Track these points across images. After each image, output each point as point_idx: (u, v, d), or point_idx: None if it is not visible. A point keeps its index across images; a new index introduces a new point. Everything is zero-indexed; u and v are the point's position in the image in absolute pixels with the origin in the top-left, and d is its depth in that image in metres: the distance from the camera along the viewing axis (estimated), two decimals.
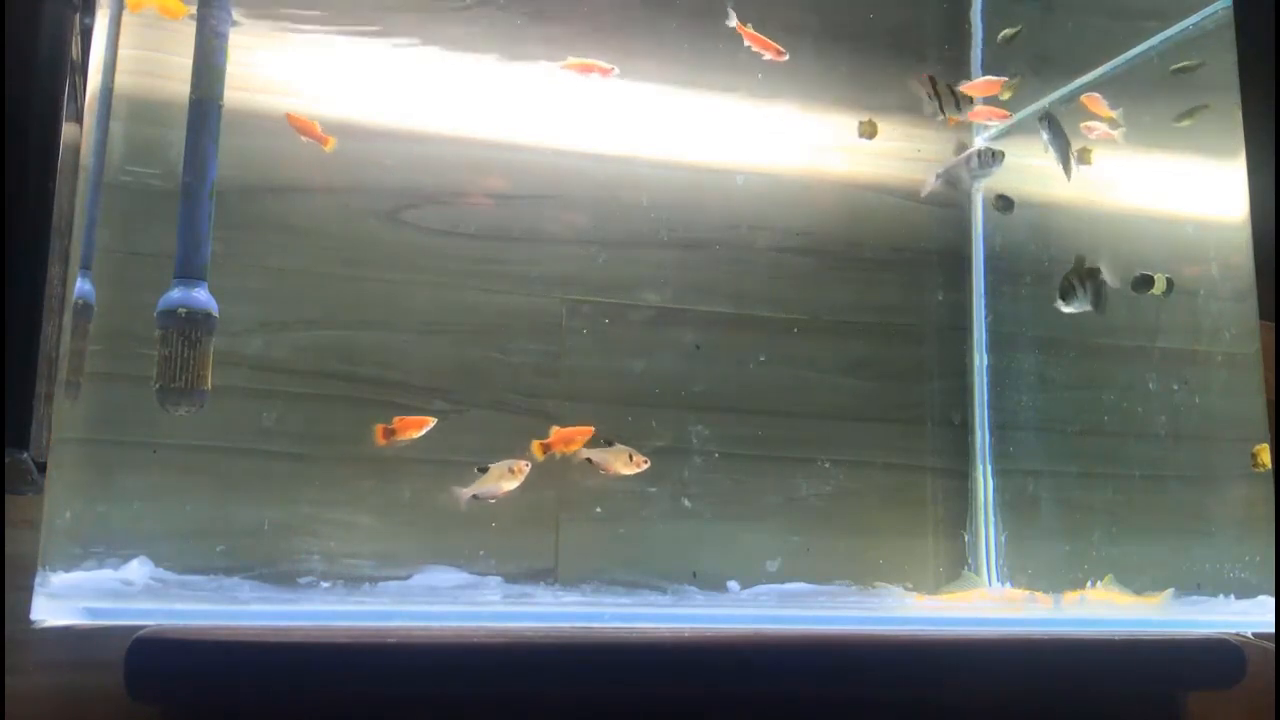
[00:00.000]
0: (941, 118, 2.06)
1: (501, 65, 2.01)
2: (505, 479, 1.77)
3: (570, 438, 1.82)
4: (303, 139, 1.81)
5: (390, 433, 1.78)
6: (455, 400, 1.92)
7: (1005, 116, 2.21)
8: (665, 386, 2.03)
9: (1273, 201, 2.11)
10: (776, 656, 1.66)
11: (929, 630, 1.83)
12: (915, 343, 2.23)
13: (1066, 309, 1.96)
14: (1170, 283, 2.08)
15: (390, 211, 1.93)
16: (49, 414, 1.62)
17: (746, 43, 2.02)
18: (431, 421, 1.79)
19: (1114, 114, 2.12)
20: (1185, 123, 2.09)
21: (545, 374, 1.97)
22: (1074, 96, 2.24)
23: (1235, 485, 2.08)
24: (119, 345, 1.68)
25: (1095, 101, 2.15)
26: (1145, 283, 2.08)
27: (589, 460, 1.81)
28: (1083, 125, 2.16)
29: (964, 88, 2.17)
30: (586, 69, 1.97)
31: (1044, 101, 2.26)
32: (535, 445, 1.80)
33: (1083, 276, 1.91)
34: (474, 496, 1.76)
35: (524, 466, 1.78)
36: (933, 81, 2.05)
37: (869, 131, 2.14)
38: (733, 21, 2.00)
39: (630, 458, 1.82)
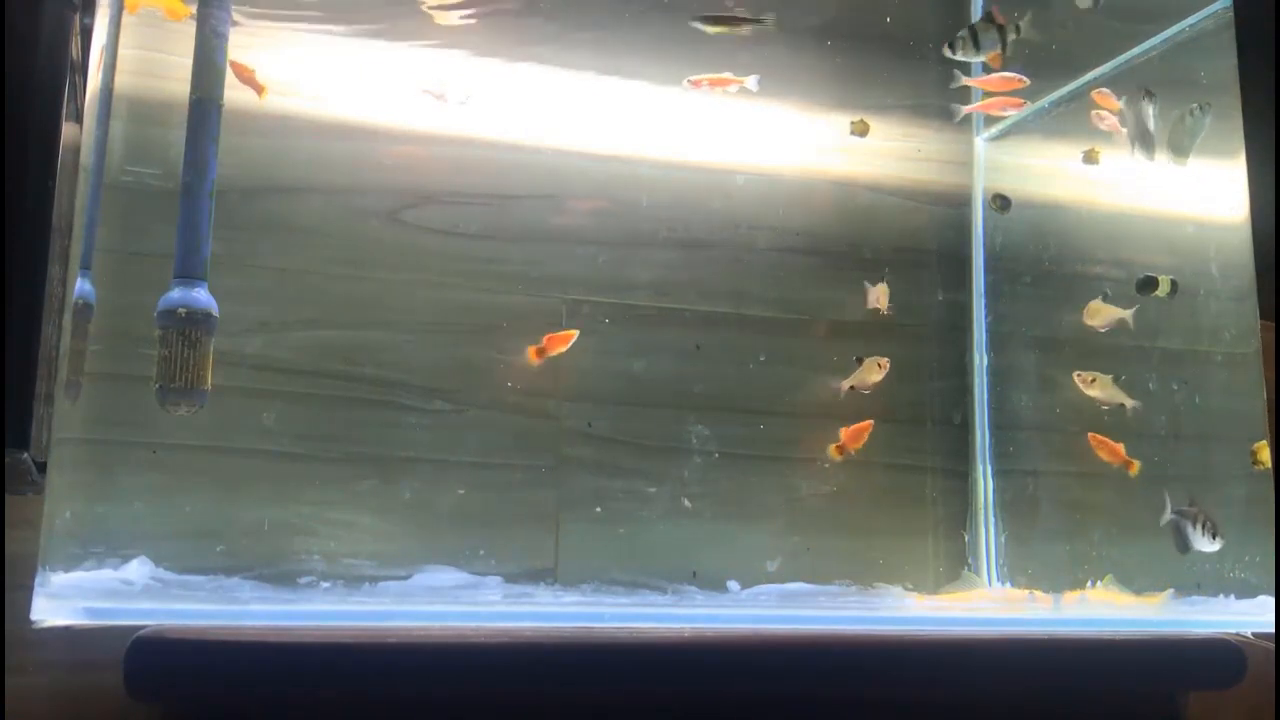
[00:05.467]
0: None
1: (501, 65, 2.01)
2: (874, 372, 2.01)
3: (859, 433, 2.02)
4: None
5: (541, 352, 1.89)
6: (455, 400, 1.92)
7: (1020, 105, 2.21)
8: (665, 386, 2.03)
9: (1273, 201, 2.10)
10: (776, 657, 1.66)
11: (929, 630, 1.83)
12: (915, 343, 2.23)
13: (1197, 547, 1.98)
14: (1174, 284, 2.08)
15: (390, 211, 1.93)
16: (49, 414, 1.61)
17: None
18: (575, 334, 1.91)
19: (1120, 105, 2.11)
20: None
21: (545, 374, 1.97)
22: (1074, 95, 2.24)
23: (1235, 485, 2.08)
24: (119, 345, 1.68)
25: (1106, 97, 2.14)
26: (1149, 284, 2.08)
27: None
28: (1094, 114, 2.15)
29: (979, 82, 2.17)
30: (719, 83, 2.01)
31: (1047, 100, 2.26)
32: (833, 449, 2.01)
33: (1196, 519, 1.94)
34: (851, 387, 1.98)
35: (886, 363, 2.03)
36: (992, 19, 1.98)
37: (861, 130, 2.14)
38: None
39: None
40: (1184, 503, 1.93)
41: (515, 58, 2.02)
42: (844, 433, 2.00)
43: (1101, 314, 2.06)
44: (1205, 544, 1.92)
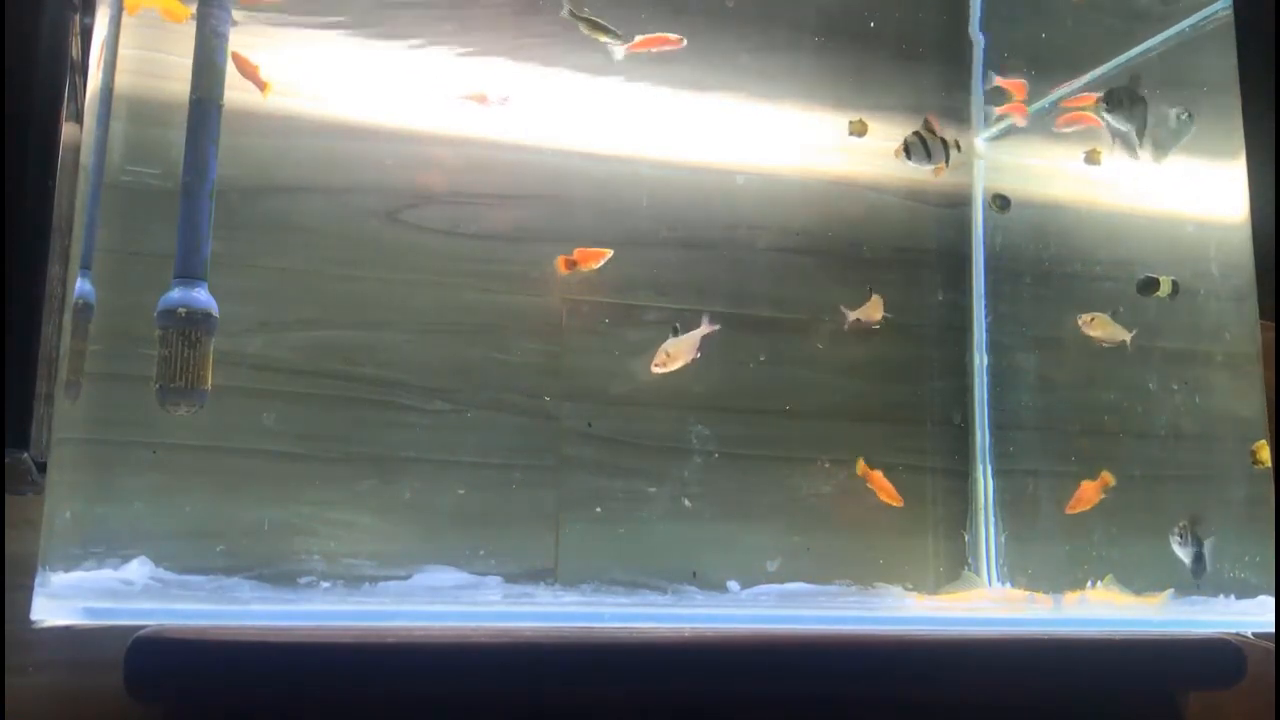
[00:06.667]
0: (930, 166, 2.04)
1: (501, 65, 2.01)
2: (877, 308, 2.05)
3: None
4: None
5: (572, 264, 1.87)
6: (455, 400, 1.92)
7: (1023, 112, 2.21)
8: (665, 386, 2.03)
9: (1273, 201, 2.11)
10: (776, 657, 1.66)
11: (929, 630, 1.83)
12: (915, 343, 2.23)
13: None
14: (1175, 285, 2.09)
15: (390, 211, 1.93)
16: (49, 414, 1.62)
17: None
18: (608, 253, 1.90)
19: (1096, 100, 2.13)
20: None
21: (545, 374, 1.97)
22: (1075, 96, 2.24)
23: (1235, 485, 2.08)
24: (119, 345, 1.68)
25: (1077, 99, 2.16)
26: (1150, 285, 2.08)
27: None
28: (1058, 119, 2.17)
29: (1005, 84, 2.18)
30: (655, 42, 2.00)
31: (1047, 100, 2.26)
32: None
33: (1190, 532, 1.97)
34: (857, 319, 2.02)
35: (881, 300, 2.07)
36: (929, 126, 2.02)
37: (859, 130, 2.14)
38: None
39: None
40: (1178, 527, 1.95)
41: (516, 58, 2.01)
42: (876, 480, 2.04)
43: (1105, 329, 2.07)
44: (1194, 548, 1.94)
